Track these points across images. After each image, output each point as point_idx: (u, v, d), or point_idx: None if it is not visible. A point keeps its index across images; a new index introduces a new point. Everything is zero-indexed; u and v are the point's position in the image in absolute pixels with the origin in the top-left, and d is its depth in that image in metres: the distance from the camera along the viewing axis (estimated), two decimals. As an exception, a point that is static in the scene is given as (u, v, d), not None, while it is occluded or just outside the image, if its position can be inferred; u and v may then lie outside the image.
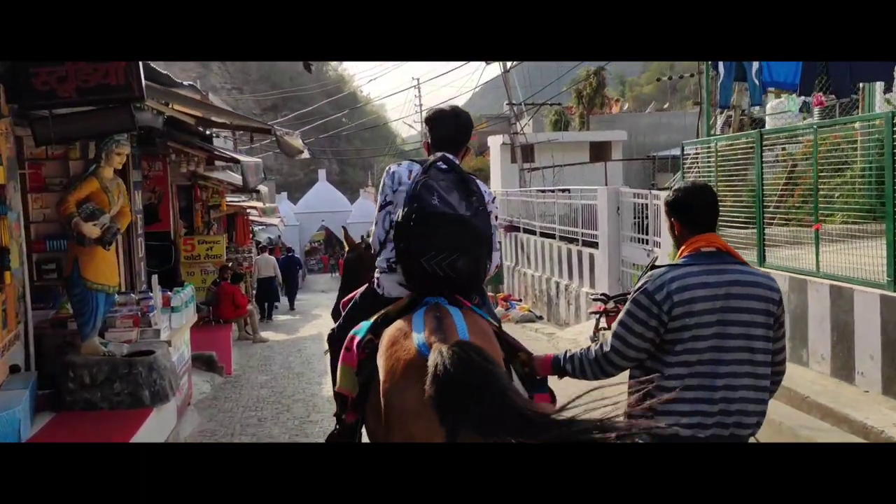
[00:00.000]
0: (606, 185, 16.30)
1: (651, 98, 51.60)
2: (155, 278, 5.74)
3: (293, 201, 37.66)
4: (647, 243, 10.38)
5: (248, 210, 21.02)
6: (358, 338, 2.60)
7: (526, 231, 16.55)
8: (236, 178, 13.06)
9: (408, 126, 38.77)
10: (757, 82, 8.20)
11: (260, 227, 27.29)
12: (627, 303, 2.39)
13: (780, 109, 12.55)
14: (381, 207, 2.75)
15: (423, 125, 2.93)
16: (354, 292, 3.06)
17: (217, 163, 13.61)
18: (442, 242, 2.48)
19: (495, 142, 21.60)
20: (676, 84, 57.46)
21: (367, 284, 2.92)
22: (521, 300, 15.88)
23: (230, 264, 14.37)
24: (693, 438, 2.22)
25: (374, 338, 2.56)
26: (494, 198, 2.80)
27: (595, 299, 9.86)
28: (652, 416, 2.01)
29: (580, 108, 24.07)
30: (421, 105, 36.63)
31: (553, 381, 2.68)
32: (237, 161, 9.50)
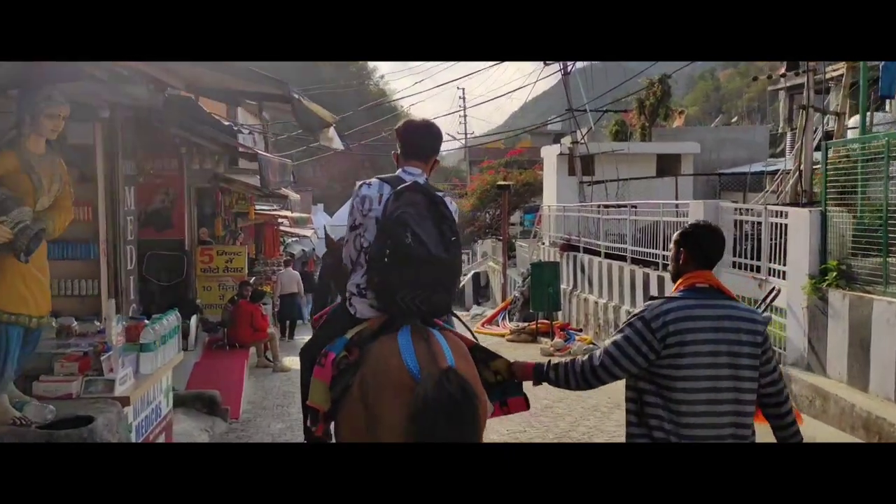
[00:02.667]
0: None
1: (695, 120, 49.59)
2: (110, 303, 3.93)
3: (329, 214, 36.27)
4: (756, 271, 8.31)
5: (278, 220, 19.51)
6: (333, 354, 2.63)
7: (587, 251, 14.54)
8: (265, 181, 11.41)
9: (450, 137, 37.09)
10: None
11: (293, 240, 25.83)
12: (623, 325, 2.55)
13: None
14: (352, 229, 2.77)
15: (395, 136, 2.89)
16: (326, 308, 3.20)
17: (243, 164, 12.00)
18: (417, 281, 2.53)
19: (550, 152, 19.64)
20: (721, 106, 55.21)
21: (339, 301, 2.95)
22: (581, 330, 13.86)
23: (252, 279, 12.70)
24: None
25: (348, 355, 2.62)
26: (457, 210, 2.82)
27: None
28: (649, 433, 2.43)
29: (641, 119, 21.98)
30: (465, 116, 35.01)
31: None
32: (255, 156, 7.71)
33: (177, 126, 7.29)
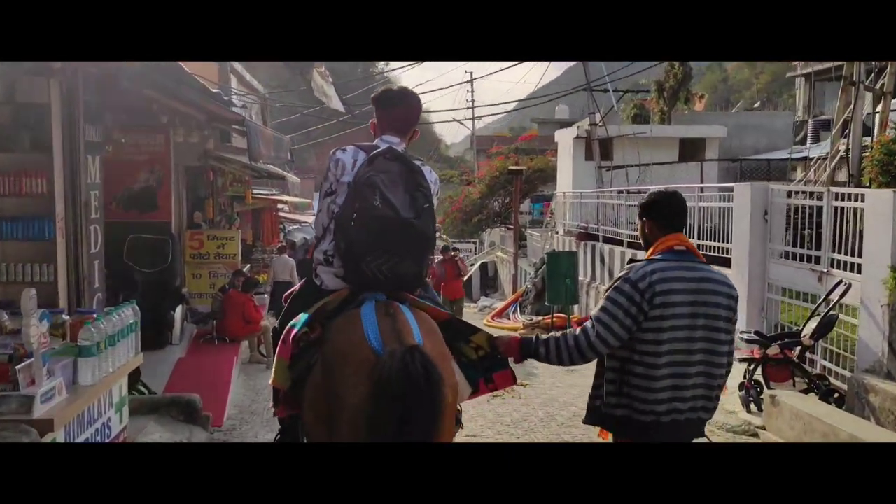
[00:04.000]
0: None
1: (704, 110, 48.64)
2: (28, 293, 2.92)
3: (332, 200, 35.27)
4: (815, 262, 7.30)
5: (277, 205, 18.52)
6: (295, 331, 2.52)
7: (607, 240, 13.54)
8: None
9: (458, 124, 36.07)
10: None
11: (295, 227, 24.88)
12: (608, 291, 2.50)
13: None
14: (326, 195, 2.68)
15: (372, 106, 2.82)
16: (296, 286, 3.02)
17: (237, 142, 10.97)
18: (382, 246, 2.43)
19: (566, 136, 18.57)
20: (730, 97, 54.33)
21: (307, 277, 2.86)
22: (600, 325, 12.85)
23: (246, 268, 11.70)
24: (672, 422, 2.43)
25: (309, 331, 2.52)
26: (437, 180, 2.73)
27: (748, 340, 6.82)
28: (630, 404, 2.46)
29: (660, 102, 20.91)
30: (473, 101, 33.89)
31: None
32: (243, 122, 6.66)
33: (152, 87, 6.28)
